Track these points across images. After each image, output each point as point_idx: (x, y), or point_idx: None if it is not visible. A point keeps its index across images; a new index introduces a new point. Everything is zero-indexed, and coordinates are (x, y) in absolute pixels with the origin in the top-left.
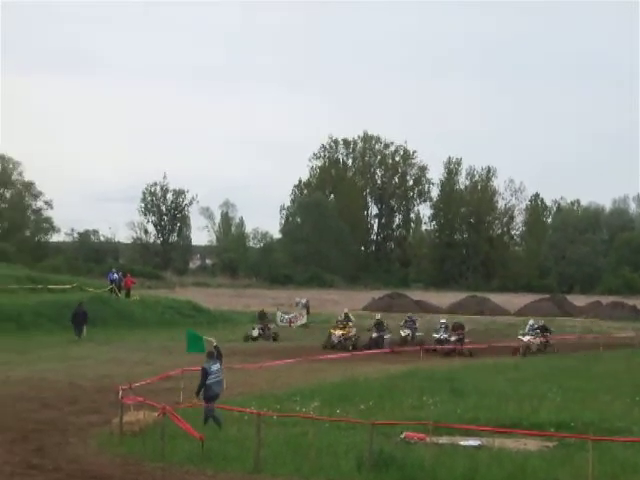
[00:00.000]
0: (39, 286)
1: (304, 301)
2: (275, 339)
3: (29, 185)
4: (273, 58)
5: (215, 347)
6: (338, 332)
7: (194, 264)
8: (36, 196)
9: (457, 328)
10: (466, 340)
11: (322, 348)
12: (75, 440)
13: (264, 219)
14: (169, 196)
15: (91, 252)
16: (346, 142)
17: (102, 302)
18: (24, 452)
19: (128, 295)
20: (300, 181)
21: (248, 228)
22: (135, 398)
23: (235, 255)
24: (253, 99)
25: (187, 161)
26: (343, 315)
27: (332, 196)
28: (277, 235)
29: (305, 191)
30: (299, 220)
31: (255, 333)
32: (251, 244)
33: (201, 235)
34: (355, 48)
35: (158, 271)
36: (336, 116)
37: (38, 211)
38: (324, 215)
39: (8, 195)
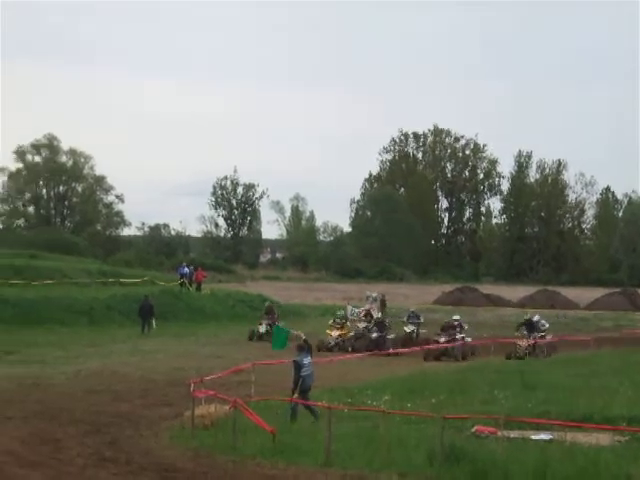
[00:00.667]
0: (111, 280)
1: (374, 295)
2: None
3: (100, 179)
4: (341, 52)
5: (304, 340)
6: (335, 333)
7: (264, 258)
8: (107, 190)
9: (448, 328)
10: (468, 339)
11: (317, 351)
12: (147, 433)
13: (334, 213)
14: (239, 190)
15: (162, 246)
16: (416, 136)
17: (173, 296)
18: (97, 445)
19: (199, 289)
20: (370, 175)
21: (318, 222)
22: (206, 391)
23: (305, 249)
24: (322, 92)
25: (258, 155)
26: (345, 310)
27: (402, 190)
28: (347, 229)
29: (375, 185)
30: (369, 214)
31: (263, 329)
32: (321, 238)
33: (271, 229)
34: (423, 43)
35: (229, 265)
36: (406, 109)
37: (109, 205)
38: (394, 209)
39: (80, 189)
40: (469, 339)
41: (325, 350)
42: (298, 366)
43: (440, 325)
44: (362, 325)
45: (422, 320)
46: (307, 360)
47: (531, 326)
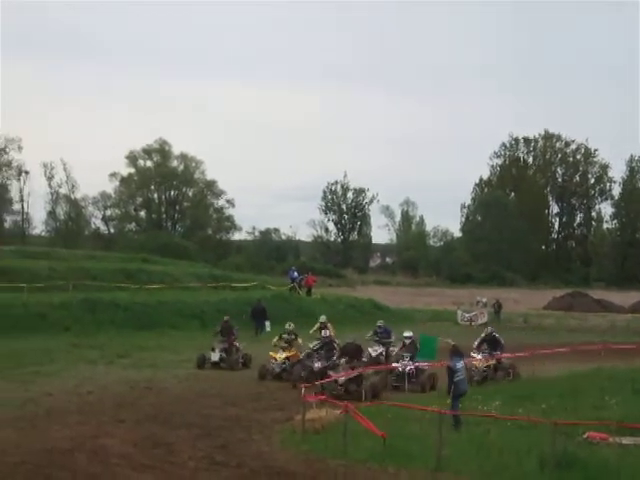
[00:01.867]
0: (221, 284)
1: (484, 300)
2: (246, 364)
3: (211, 184)
4: (452, 55)
5: (453, 346)
6: (280, 356)
7: (374, 262)
8: (218, 195)
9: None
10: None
11: (260, 379)
12: (258, 437)
13: (444, 217)
14: (350, 194)
15: (272, 250)
16: (527, 140)
17: (283, 300)
18: (208, 448)
19: (309, 293)
20: (481, 179)
21: (428, 226)
22: (317, 396)
23: (415, 253)
24: (433, 97)
25: (368, 160)
26: (290, 327)
27: (512, 194)
28: (457, 233)
29: (486, 189)
30: (480, 218)
31: (216, 357)
32: (431, 242)
33: (381, 233)
34: (535, 47)
35: (339, 269)
36: (517, 114)
37: (220, 209)
38: (505, 213)
39: (191, 194)
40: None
41: (271, 378)
42: (452, 372)
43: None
44: (313, 345)
45: (393, 339)
46: (460, 365)
47: (494, 343)
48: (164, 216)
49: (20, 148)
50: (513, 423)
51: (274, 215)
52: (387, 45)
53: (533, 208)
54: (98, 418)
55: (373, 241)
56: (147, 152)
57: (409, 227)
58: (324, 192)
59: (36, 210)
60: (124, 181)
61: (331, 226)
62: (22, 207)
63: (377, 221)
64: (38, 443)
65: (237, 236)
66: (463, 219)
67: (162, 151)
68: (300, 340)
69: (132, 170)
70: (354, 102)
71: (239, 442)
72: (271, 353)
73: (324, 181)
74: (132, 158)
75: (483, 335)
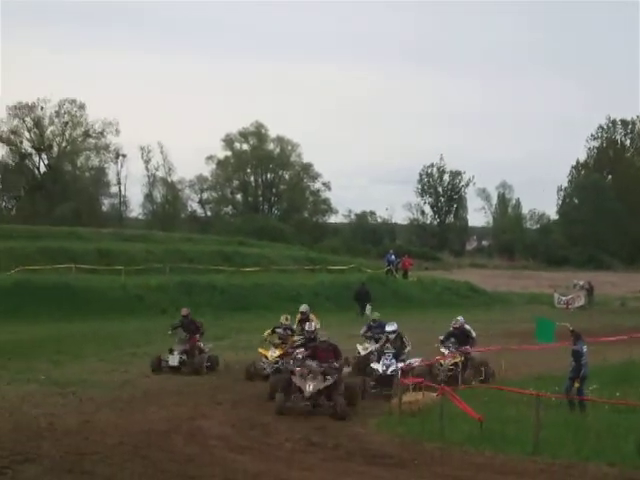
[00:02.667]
0: (317, 267)
1: (581, 283)
2: (212, 367)
3: (307, 167)
4: (539, 35)
5: (572, 330)
6: (271, 354)
7: (470, 245)
8: (314, 178)
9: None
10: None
11: (247, 379)
12: (354, 419)
13: (540, 200)
14: (446, 177)
15: (368, 233)
16: (624, 122)
17: (380, 283)
18: (305, 430)
19: (405, 276)
20: (578, 162)
21: (524, 209)
22: (414, 378)
23: (512, 236)
24: (527, 79)
25: (464, 143)
26: (286, 320)
27: (610, 177)
28: (554, 216)
29: (583, 172)
30: (577, 201)
31: (175, 361)
32: (527, 225)
33: (477, 216)
34: (629, 26)
35: (435, 252)
36: (613, 96)
37: (316, 192)
38: (602, 196)
39: (287, 177)
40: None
41: (261, 379)
42: (579, 355)
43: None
44: (296, 341)
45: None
46: (585, 348)
47: (463, 336)
48: (260, 199)
49: (117, 131)
50: (611, 407)
51: (370, 198)
52: (485, 24)
53: (631, 191)
54: (195, 400)
55: (469, 224)
56: (243, 135)
57: (505, 210)
58: (420, 175)
59: (133, 193)
60: (220, 164)
61: (427, 209)
62: (119, 190)
63: (473, 204)
64: (136, 424)
65: (333, 219)
66: (560, 202)
67: (258, 134)
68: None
69: (228, 153)
70: (450, 85)
71: (335, 424)
72: (261, 350)
73: (420, 164)
74: (228, 141)
75: (452, 327)
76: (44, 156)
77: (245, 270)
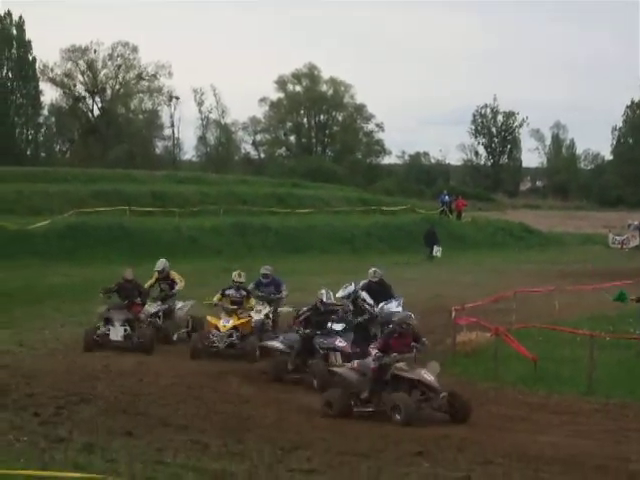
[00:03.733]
0: (371, 208)
1: (636, 223)
2: (146, 348)
3: (360, 108)
4: None
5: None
6: (224, 323)
7: (524, 186)
8: (367, 119)
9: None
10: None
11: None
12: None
13: (595, 140)
14: (499, 118)
15: (422, 174)
16: None
17: (434, 223)
18: None
19: (459, 217)
20: (632, 102)
21: (579, 149)
22: (468, 319)
23: (565, 177)
24: (580, 19)
25: (518, 83)
26: (239, 277)
27: None
28: (608, 156)
29: (637, 112)
30: (631, 141)
31: (117, 334)
32: (581, 166)
33: (531, 157)
34: None
35: (488, 193)
36: None
37: (369, 133)
38: None
39: (340, 118)
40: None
41: (208, 357)
42: None
43: None
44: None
45: (284, 294)
46: None
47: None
48: (314, 140)
49: (170, 74)
50: None
51: (424, 139)
52: None
53: None
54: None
55: (523, 165)
56: (296, 77)
57: (559, 150)
58: (474, 115)
59: (186, 136)
60: (273, 106)
61: (481, 150)
62: (173, 133)
63: (527, 145)
64: (190, 367)
65: (386, 160)
66: (614, 142)
67: (311, 75)
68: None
69: (281, 95)
70: (502, 24)
71: None
72: (210, 319)
73: (474, 105)
74: (281, 83)
75: (367, 280)
76: (97, 99)
77: (299, 212)
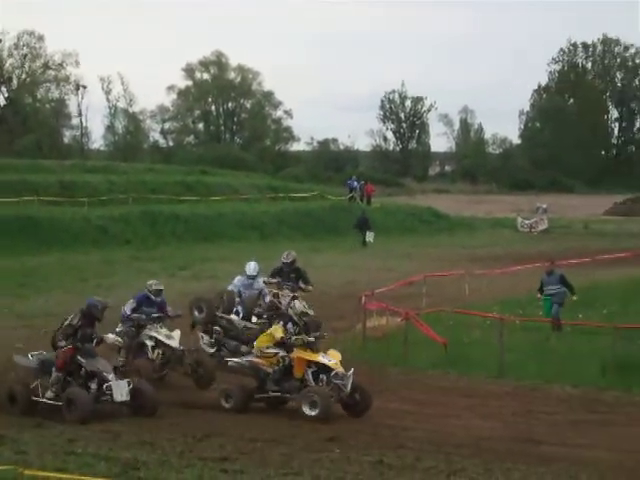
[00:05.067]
0: (280, 195)
1: (545, 206)
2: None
3: (268, 95)
4: None
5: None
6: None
7: (433, 171)
8: (276, 106)
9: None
10: None
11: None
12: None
13: (503, 124)
14: (408, 103)
15: (331, 161)
16: (585, 46)
17: (343, 210)
18: None
19: (369, 202)
20: (539, 86)
21: (487, 134)
22: (378, 304)
23: (474, 161)
24: (487, 2)
25: (425, 69)
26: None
27: (571, 100)
28: (516, 140)
29: (544, 96)
30: (539, 125)
31: (123, 392)
32: (490, 150)
33: (440, 142)
34: None
35: (397, 178)
36: (573, 19)
37: (278, 120)
38: (564, 120)
39: (248, 105)
40: None
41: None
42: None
43: None
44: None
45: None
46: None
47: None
48: (222, 128)
49: (77, 63)
50: (574, 329)
51: (332, 126)
52: None
53: (592, 114)
54: None
55: (432, 149)
56: (204, 64)
57: (468, 135)
58: (382, 101)
59: (95, 125)
60: (182, 94)
61: (389, 135)
62: (80, 122)
63: (436, 129)
64: None
65: (295, 147)
66: (522, 126)
67: (219, 63)
68: None
69: (189, 83)
70: (406, 11)
71: None
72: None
73: (382, 91)
74: (189, 71)
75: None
76: (4, 89)
77: (208, 199)
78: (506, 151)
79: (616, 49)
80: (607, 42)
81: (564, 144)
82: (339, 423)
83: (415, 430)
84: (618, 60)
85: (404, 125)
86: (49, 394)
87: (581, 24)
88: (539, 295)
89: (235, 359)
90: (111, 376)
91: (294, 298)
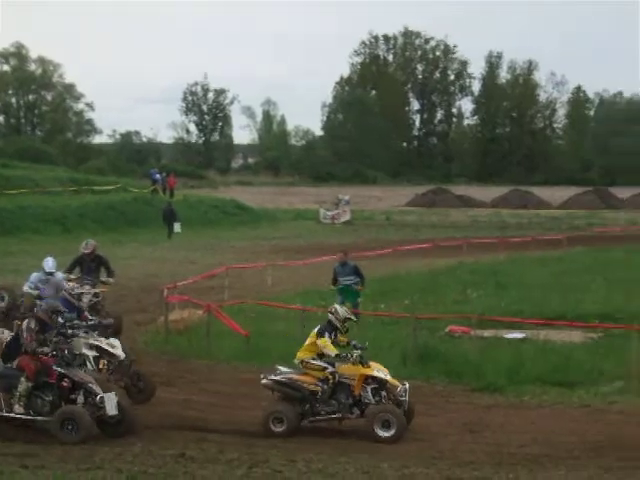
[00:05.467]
0: (83, 187)
1: (347, 198)
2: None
3: (70, 87)
4: None
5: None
6: None
7: (236, 163)
8: (77, 98)
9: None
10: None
11: None
12: (121, 338)
13: (305, 116)
14: (210, 95)
15: (133, 153)
16: (386, 38)
17: (145, 202)
18: None
19: (172, 195)
20: (341, 78)
21: (290, 126)
22: (180, 297)
23: (277, 153)
24: None
25: (228, 61)
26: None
27: (373, 92)
28: (319, 132)
29: (346, 88)
30: (341, 117)
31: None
32: (293, 142)
33: (243, 134)
34: None
35: (200, 170)
36: (376, 11)
37: (80, 113)
38: (366, 112)
39: (49, 97)
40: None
41: None
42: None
43: None
44: None
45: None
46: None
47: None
48: (23, 121)
49: None
50: (376, 319)
51: (135, 118)
52: None
53: (394, 106)
54: None
55: (235, 142)
56: (3, 56)
57: (270, 127)
58: (184, 93)
59: None
60: None
61: (192, 127)
62: None
63: (238, 122)
64: None
65: (98, 139)
66: (324, 118)
67: (19, 55)
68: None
69: None
70: (213, 2)
71: None
72: None
73: (185, 83)
74: None
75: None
76: None
77: (8, 193)
78: (309, 143)
79: (417, 41)
80: (408, 34)
81: (366, 136)
82: (141, 416)
83: (217, 422)
84: (419, 52)
85: (207, 117)
86: (17, 408)
87: (383, 17)
88: (333, 286)
89: (272, 376)
90: (97, 387)
91: (96, 295)
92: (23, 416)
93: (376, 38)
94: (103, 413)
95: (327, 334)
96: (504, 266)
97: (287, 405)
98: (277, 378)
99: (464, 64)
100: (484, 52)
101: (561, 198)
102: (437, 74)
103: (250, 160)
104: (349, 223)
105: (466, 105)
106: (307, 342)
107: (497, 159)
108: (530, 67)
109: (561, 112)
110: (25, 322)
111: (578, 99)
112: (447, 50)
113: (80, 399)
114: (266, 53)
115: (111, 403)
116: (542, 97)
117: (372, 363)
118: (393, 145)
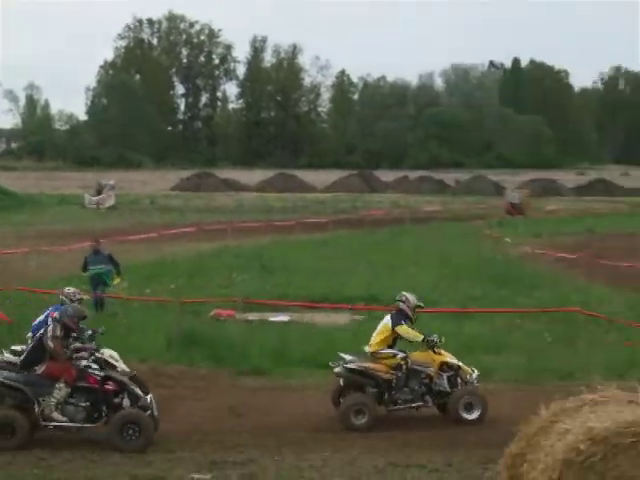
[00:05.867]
0: None
1: (112, 183)
2: None
3: None
4: None
5: None
6: None
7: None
8: None
9: None
10: None
11: None
12: None
13: (70, 100)
14: None
15: None
16: (151, 22)
17: None
18: None
19: None
20: (105, 62)
21: (53, 110)
22: None
23: (41, 138)
24: None
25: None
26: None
27: (138, 76)
28: (83, 117)
29: (111, 72)
30: (105, 101)
31: None
32: (57, 126)
33: (5, 118)
34: None
35: None
36: None
37: None
38: (130, 96)
39: None
40: None
41: None
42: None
43: None
44: None
45: None
46: None
47: None
48: None
49: None
50: (141, 304)
51: None
52: None
53: (159, 90)
54: None
55: None
56: None
57: (34, 111)
58: None
59: None
60: None
61: None
62: None
63: (1, 106)
64: None
65: None
66: (89, 102)
67: None
68: None
69: None
70: None
71: None
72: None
73: None
74: None
75: None
76: None
77: None
78: (73, 127)
79: (182, 25)
80: (173, 18)
81: (131, 120)
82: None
83: None
84: (184, 37)
85: None
86: (57, 416)
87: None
88: (83, 273)
89: (346, 365)
90: (138, 389)
91: None
92: (67, 424)
93: (140, 22)
94: (151, 414)
95: (404, 322)
96: (269, 250)
97: (367, 396)
98: (352, 366)
99: (229, 48)
100: (249, 36)
101: (326, 181)
102: (202, 58)
103: (13, 145)
104: (114, 208)
105: (231, 89)
106: (379, 335)
107: (262, 143)
108: (294, 51)
109: (325, 96)
110: (50, 329)
111: (342, 83)
112: (212, 34)
113: (126, 402)
114: (30, 33)
115: (154, 404)
116: (307, 81)
117: (441, 350)
118: (158, 129)
